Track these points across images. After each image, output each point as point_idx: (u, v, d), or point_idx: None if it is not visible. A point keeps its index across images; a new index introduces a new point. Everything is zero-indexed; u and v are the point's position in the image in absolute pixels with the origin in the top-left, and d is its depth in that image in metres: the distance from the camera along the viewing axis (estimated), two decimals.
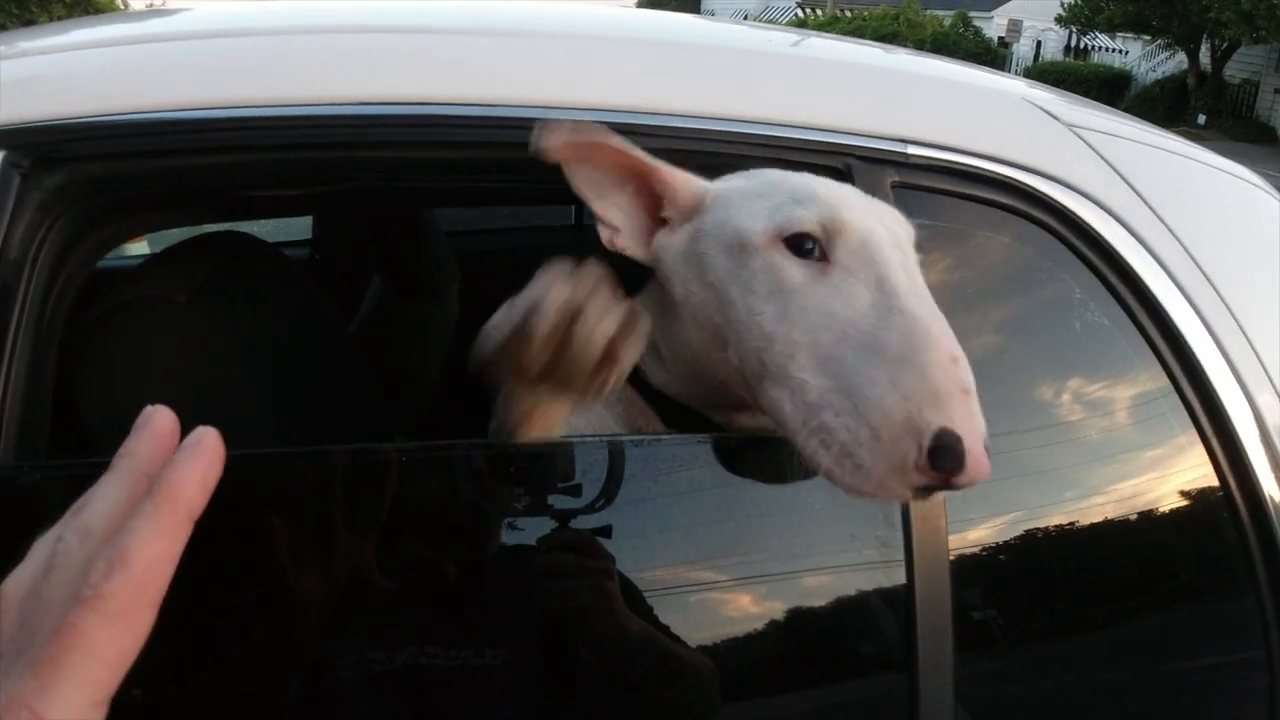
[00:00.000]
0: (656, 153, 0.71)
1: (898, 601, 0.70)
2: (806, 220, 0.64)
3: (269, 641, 0.65)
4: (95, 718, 0.39)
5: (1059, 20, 20.95)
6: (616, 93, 0.76)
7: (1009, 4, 24.86)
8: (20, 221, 0.66)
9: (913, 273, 0.65)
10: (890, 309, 0.60)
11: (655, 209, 0.73)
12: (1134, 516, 0.88)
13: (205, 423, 0.46)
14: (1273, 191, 1.14)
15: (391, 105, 0.72)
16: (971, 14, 23.23)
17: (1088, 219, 0.85)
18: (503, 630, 0.70)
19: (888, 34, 21.65)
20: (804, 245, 0.64)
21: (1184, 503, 0.91)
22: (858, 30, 22.68)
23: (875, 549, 0.69)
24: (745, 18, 30.71)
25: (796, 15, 28.57)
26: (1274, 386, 0.92)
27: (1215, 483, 0.89)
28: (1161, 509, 0.91)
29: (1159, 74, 21.13)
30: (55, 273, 0.71)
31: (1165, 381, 0.89)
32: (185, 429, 0.45)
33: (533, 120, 0.71)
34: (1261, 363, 0.92)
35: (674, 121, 0.74)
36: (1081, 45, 23.84)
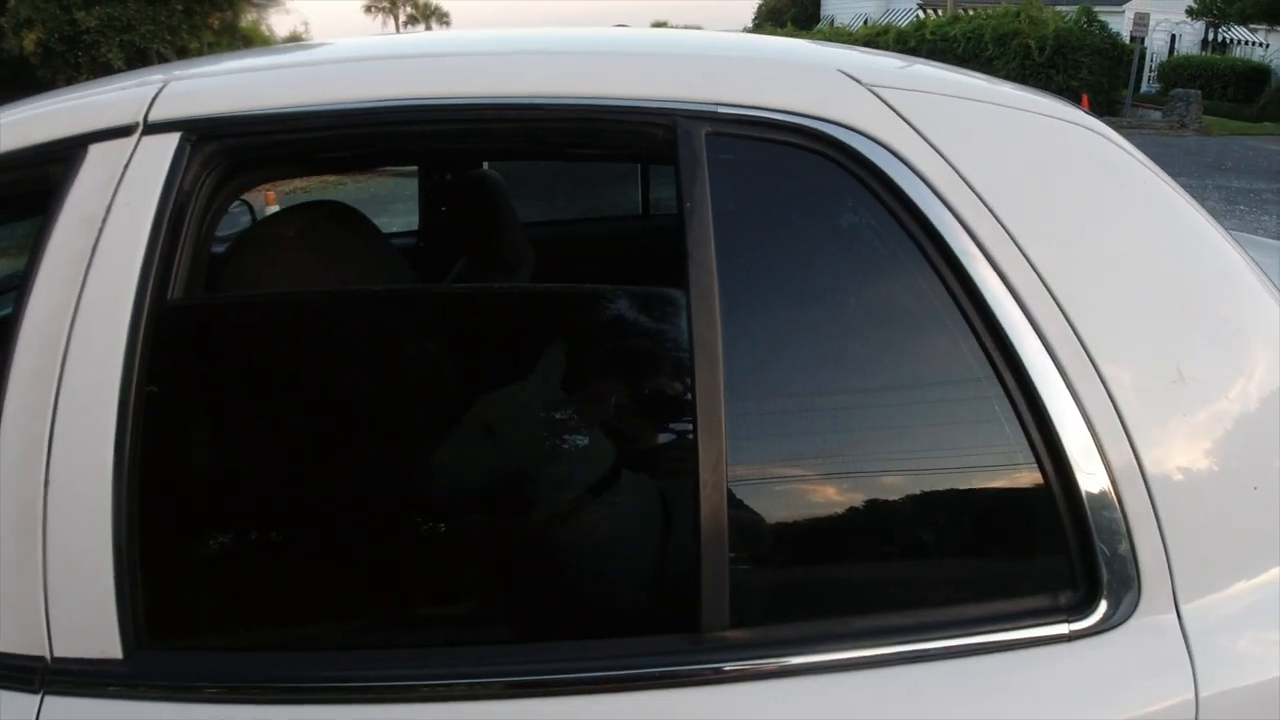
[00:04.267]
0: (548, 120, 1.17)
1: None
2: None
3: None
4: None
5: (1190, 12, 20.29)
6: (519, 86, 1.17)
7: None
8: (190, 171, 1.16)
9: None
10: None
11: None
12: (935, 469, 1.10)
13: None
14: (1111, 135, 1.20)
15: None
16: (1098, 8, 22.52)
17: (868, 155, 1.10)
18: None
19: (1008, 32, 21.30)
20: None
21: (978, 452, 1.08)
22: (978, 29, 22.36)
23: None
24: (865, 21, 30.59)
25: (917, 16, 28.36)
26: (1074, 332, 1.02)
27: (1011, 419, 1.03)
28: (956, 459, 1.09)
29: None
30: (210, 202, 1.21)
31: (946, 301, 1.04)
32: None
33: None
34: (1062, 310, 1.02)
35: (558, 101, 1.16)
36: (1220, 39, 22.95)
